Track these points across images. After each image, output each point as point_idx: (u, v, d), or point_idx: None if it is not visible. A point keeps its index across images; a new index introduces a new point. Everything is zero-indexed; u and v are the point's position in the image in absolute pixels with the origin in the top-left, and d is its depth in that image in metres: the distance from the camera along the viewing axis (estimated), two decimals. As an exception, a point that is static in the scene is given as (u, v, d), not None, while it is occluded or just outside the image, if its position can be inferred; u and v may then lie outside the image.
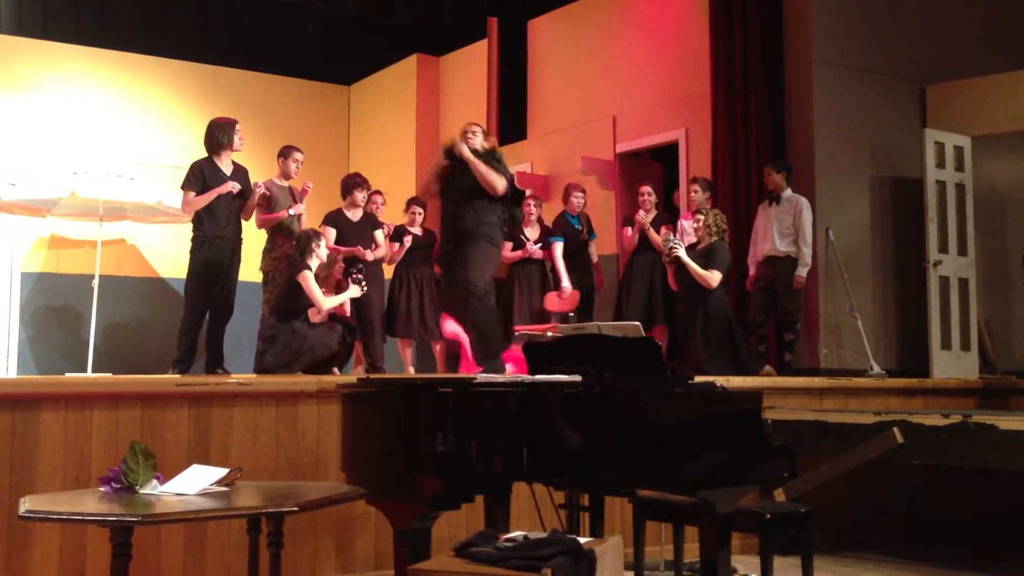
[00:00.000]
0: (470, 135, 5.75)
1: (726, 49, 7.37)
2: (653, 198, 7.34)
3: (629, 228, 7.37)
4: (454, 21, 9.95)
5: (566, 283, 7.25)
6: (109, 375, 6.00)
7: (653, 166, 8.69)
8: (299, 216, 6.69)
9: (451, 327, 5.73)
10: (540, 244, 7.51)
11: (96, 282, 7.92)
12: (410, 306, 7.35)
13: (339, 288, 6.52)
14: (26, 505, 2.47)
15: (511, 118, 9.37)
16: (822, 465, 4.85)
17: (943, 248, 7.04)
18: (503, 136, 9.45)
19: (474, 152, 5.65)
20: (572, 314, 7.28)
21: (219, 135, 6.17)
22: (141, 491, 2.72)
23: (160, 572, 4.05)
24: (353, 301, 6.50)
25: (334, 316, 5.97)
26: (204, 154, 6.24)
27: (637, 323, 4.71)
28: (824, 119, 7.06)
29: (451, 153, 5.74)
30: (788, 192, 6.71)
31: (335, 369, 5.71)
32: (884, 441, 4.58)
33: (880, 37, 7.39)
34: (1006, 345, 7.66)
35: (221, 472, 2.84)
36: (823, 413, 5.04)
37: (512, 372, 5.02)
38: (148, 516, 2.37)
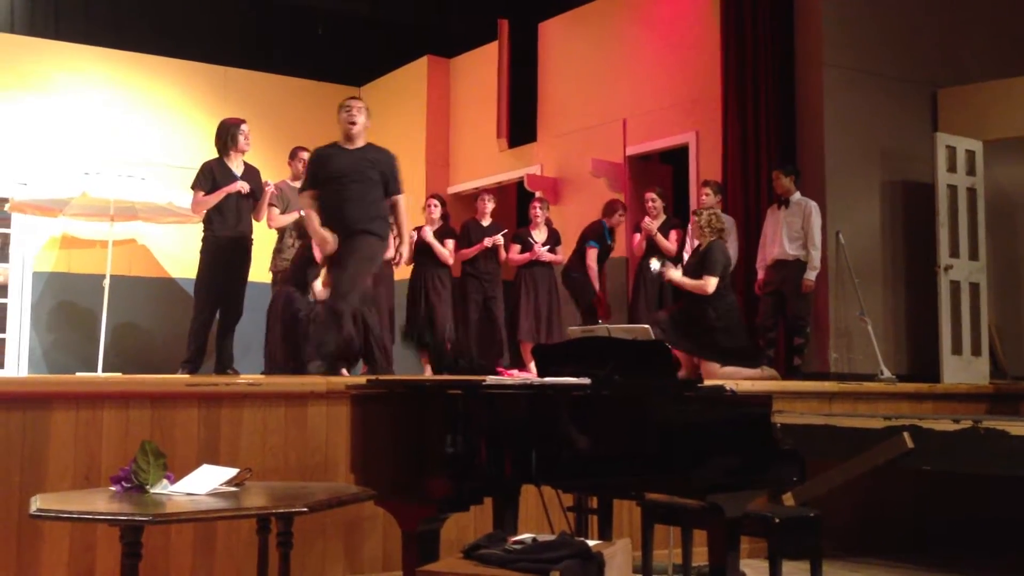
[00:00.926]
0: None
1: (737, 52, 7.36)
2: (660, 203, 7.33)
3: (637, 234, 7.37)
4: (465, 23, 9.98)
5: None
6: (119, 375, 6.02)
7: (663, 169, 8.68)
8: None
9: None
10: (547, 246, 7.51)
11: (107, 282, 7.96)
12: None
13: None
14: (37, 504, 2.48)
15: (521, 120, 9.39)
16: (831, 470, 4.83)
17: (954, 252, 7.01)
18: (513, 138, 9.47)
19: None
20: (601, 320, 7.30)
21: (227, 135, 6.20)
22: (152, 491, 2.72)
23: (169, 572, 4.05)
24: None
25: None
26: (215, 154, 6.26)
27: (646, 326, 4.71)
28: (834, 123, 7.05)
29: None
30: (797, 195, 6.70)
31: (344, 370, 5.72)
32: (894, 446, 4.56)
33: (891, 41, 7.37)
34: (1017, 350, 7.62)
35: (231, 472, 2.85)
36: (833, 417, 5.03)
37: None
38: (159, 516, 2.37)
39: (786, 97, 7.18)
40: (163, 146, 9.67)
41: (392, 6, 9.70)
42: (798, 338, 6.59)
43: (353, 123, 5.47)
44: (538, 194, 8.41)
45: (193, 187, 6.14)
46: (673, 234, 7.19)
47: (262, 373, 6.05)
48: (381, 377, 4.57)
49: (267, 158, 7.81)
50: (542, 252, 7.45)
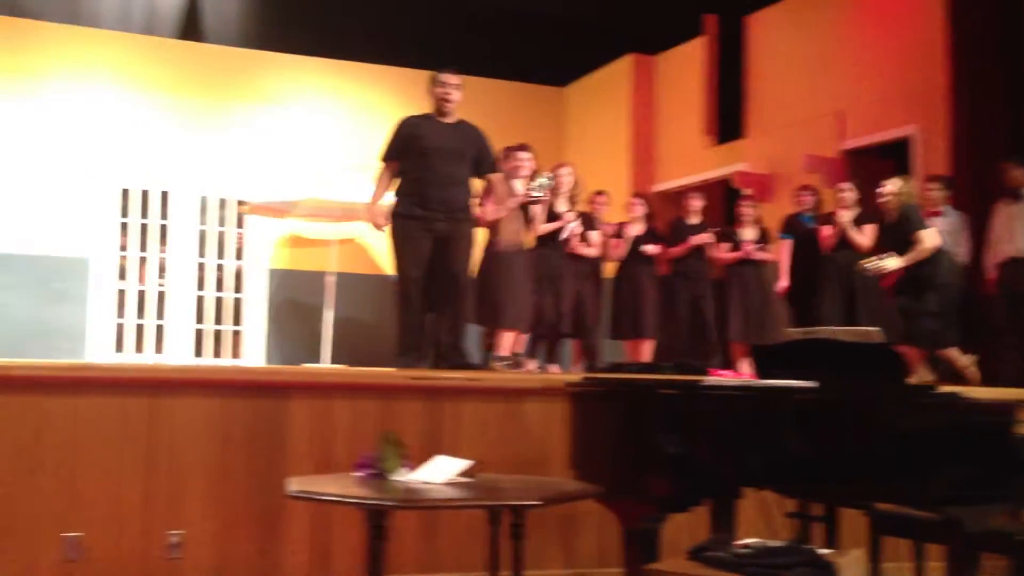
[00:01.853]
0: None
1: (964, 40, 6.93)
2: (853, 195, 6.97)
3: (828, 228, 7.04)
4: (670, 19, 9.90)
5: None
6: (348, 367, 6.39)
7: (883, 164, 8.28)
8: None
9: None
10: (756, 245, 7.35)
11: (331, 279, 8.46)
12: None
13: None
14: (293, 486, 2.68)
15: (728, 116, 9.22)
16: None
17: None
18: (720, 134, 9.32)
19: None
20: None
21: None
22: (392, 478, 2.89)
23: (393, 556, 4.28)
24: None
25: None
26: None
27: (877, 328, 4.51)
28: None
29: None
30: (1031, 187, 6.23)
31: (553, 368, 5.82)
32: None
33: None
34: None
35: (465, 463, 2.98)
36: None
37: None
38: (405, 501, 2.52)
39: (1017, 85, 6.69)
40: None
41: (596, 5, 9.75)
42: (1036, 343, 6.14)
43: (448, 99, 5.34)
44: (746, 191, 8.24)
45: None
46: (868, 228, 6.83)
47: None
48: (599, 375, 4.63)
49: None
50: (752, 250, 7.30)
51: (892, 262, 6.00)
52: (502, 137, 9.03)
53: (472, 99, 10.36)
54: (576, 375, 4.92)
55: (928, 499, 3.08)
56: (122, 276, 9.41)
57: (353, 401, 4.39)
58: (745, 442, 3.11)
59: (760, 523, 3.92)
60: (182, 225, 9.59)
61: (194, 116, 9.71)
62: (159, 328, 9.43)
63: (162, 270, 9.58)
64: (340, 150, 9.99)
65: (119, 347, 9.28)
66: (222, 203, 9.79)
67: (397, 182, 5.32)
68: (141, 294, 9.42)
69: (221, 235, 9.78)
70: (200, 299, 9.60)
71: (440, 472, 2.89)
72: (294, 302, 9.75)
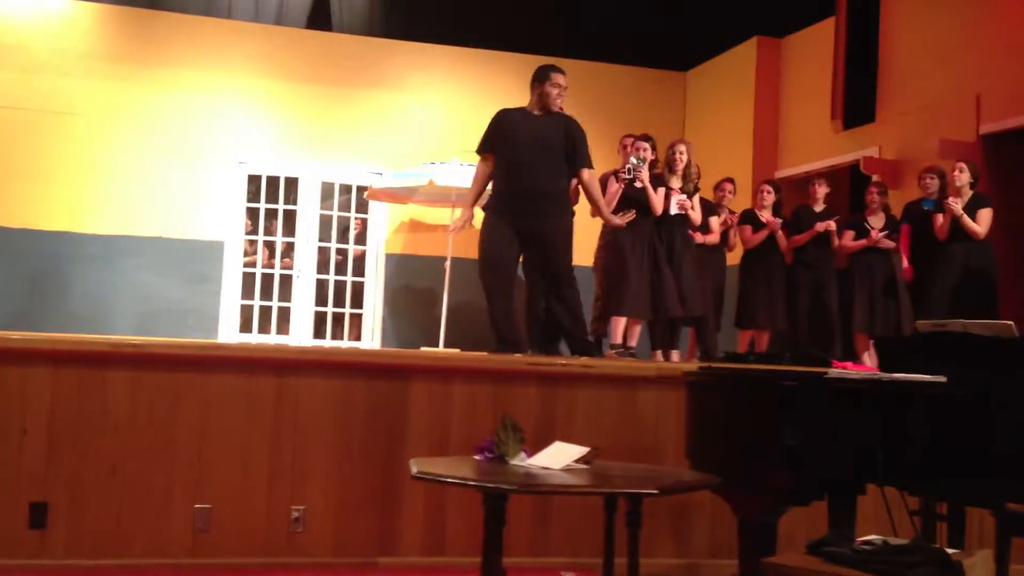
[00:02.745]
0: None
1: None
2: (966, 176, 6.63)
3: (940, 216, 6.71)
4: (797, 2, 9.62)
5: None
6: (463, 351, 6.47)
7: (1022, 149, 7.85)
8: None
9: None
10: (886, 233, 7.08)
11: (448, 263, 8.58)
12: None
13: None
14: (417, 467, 2.74)
15: (857, 99, 8.89)
16: None
17: None
18: (848, 119, 9.00)
19: None
20: None
21: None
22: (511, 462, 2.92)
23: (506, 539, 4.32)
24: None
25: None
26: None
27: (1010, 323, 4.30)
28: None
29: None
30: None
31: (674, 354, 5.77)
32: None
33: None
34: None
35: (583, 450, 2.98)
36: None
37: None
38: (527, 486, 2.55)
39: None
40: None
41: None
42: None
43: (556, 100, 5.39)
44: (875, 178, 7.95)
45: None
46: (983, 213, 6.47)
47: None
48: (715, 365, 4.57)
49: (595, 147, 7.99)
50: (880, 238, 7.03)
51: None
52: (623, 122, 8.99)
53: (593, 84, 10.45)
54: (692, 365, 4.86)
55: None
56: (249, 259, 9.74)
57: (470, 385, 4.46)
58: (870, 436, 3.02)
59: (880, 520, 3.80)
60: (306, 210, 9.86)
61: (320, 103, 9.95)
62: (282, 310, 9.74)
63: (286, 254, 9.88)
64: (460, 136, 10.09)
65: (245, 328, 9.63)
66: (345, 189, 10.03)
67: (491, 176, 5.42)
68: (267, 277, 9.75)
69: (343, 220, 10.02)
70: (321, 283, 9.87)
71: (559, 458, 2.91)
72: (411, 286, 9.92)
